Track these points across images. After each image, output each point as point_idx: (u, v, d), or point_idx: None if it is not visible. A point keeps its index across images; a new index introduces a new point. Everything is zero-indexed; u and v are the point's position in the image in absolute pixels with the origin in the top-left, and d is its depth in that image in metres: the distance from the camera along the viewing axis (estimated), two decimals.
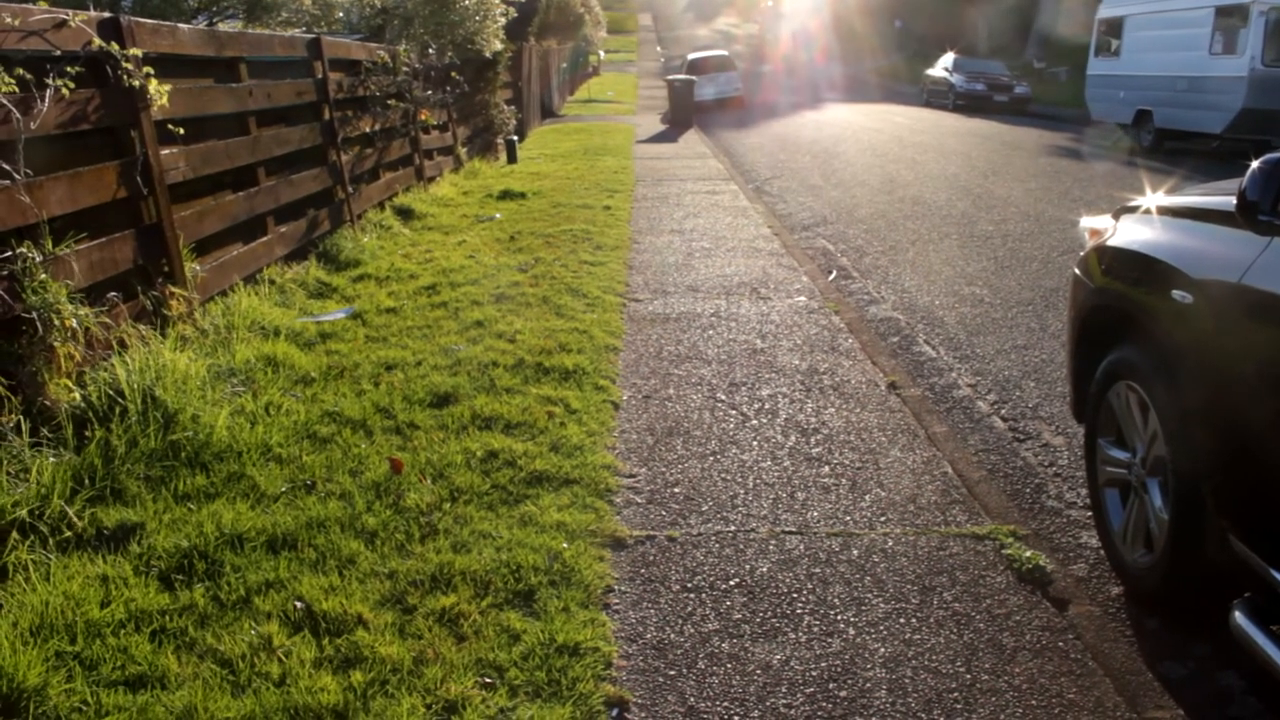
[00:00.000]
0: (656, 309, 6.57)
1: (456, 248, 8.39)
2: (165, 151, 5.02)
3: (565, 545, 3.32)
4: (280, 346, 5.16)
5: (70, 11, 4.26)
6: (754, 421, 4.56)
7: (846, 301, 7.03)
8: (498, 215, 10.07)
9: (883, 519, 3.63)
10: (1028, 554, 3.32)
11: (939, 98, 29.41)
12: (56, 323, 3.82)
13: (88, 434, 3.70)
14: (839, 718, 2.55)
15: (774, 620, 2.98)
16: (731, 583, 3.19)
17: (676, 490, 3.86)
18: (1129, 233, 3.40)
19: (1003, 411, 5.01)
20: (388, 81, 9.65)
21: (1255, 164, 2.61)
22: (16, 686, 2.43)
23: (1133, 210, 3.54)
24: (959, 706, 2.59)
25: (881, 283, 7.83)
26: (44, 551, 3.11)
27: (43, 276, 3.81)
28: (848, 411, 4.71)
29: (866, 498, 3.80)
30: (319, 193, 7.73)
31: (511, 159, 15.33)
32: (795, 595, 3.11)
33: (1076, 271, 3.72)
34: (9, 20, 3.84)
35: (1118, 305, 3.35)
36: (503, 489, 3.75)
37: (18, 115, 3.82)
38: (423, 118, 10.92)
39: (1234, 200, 2.68)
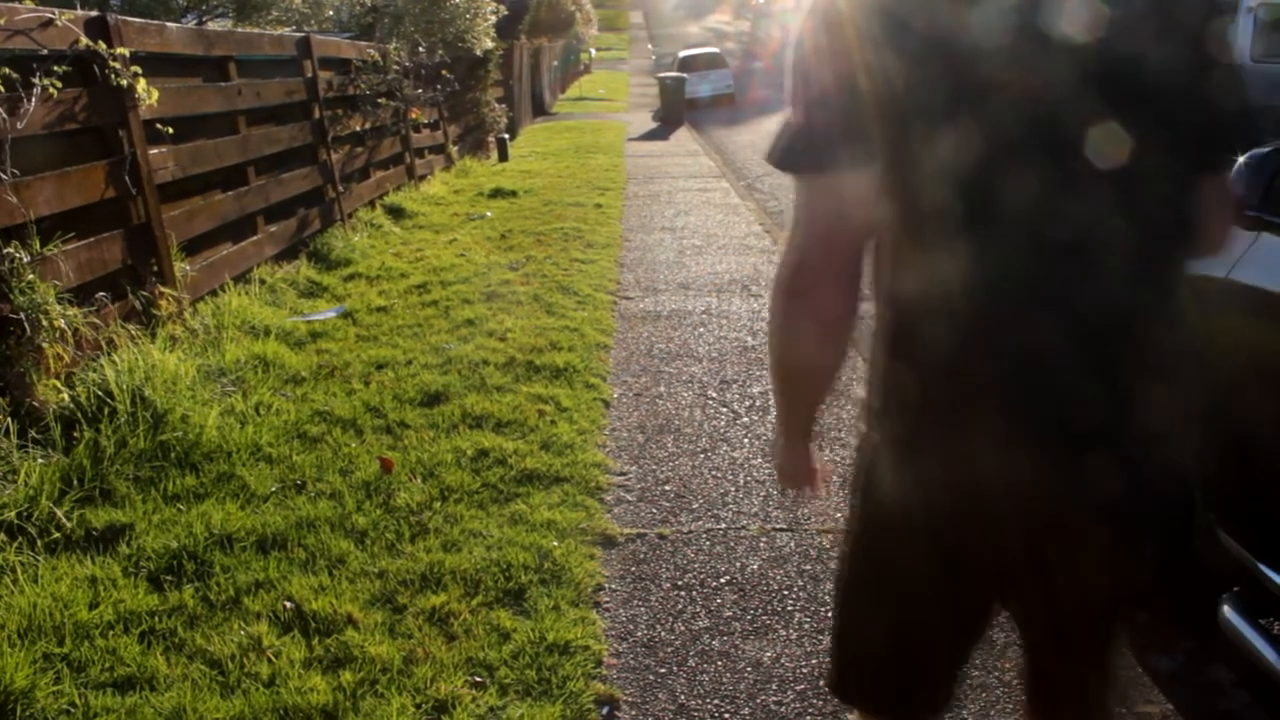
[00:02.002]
0: (647, 307, 6.57)
1: (447, 246, 8.37)
2: (154, 151, 5.00)
3: (555, 544, 3.32)
4: (270, 346, 5.15)
5: (57, 10, 4.24)
6: (745, 419, 4.56)
7: None
8: (489, 213, 10.06)
9: None
10: None
11: None
12: (45, 323, 3.80)
13: (76, 435, 3.69)
14: (830, 715, 2.55)
15: (765, 617, 2.98)
16: (722, 580, 3.19)
17: (667, 488, 3.86)
18: None
19: None
20: (378, 80, 9.63)
21: (1241, 159, 2.61)
22: (4, 689, 2.42)
23: None
24: None
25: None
26: (32, 553, 3.10)
27: (30, 277, 3.79)
28: (838, 408, 4.71)
29: None
30: (309, 192, 7.71)
31: (503, 157, 15.32)
32: (786, 592, 3.11)
33: None
34: None
35: None
36: (493, 487, 3.74)
37: (4, 115, 3.80)
38: (413, 116, 10.90)
39: None
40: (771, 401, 4.77)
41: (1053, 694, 1.54)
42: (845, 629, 1.55)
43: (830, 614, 2.98)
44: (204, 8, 10.25)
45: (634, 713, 2.56)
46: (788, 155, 1.29)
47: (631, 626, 2.93)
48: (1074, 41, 1.13)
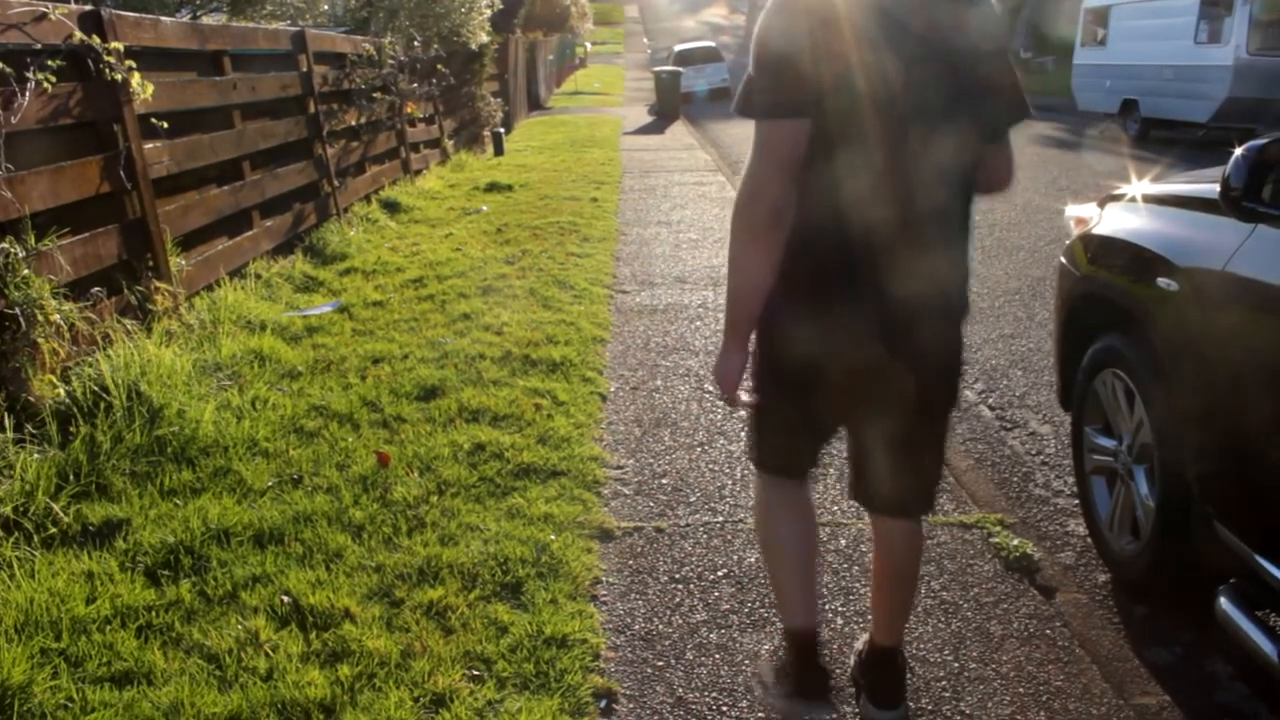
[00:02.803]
0: (644, 300, 6.56)
1: (443, 240, 8.36)
2: (149, 146, 4.99)
3: (553, 537, 3.32)
4: (266, 341, 5.14)
5: (50, 4, 4.23)
6: (742, 412, 4.56)
7: None
8: (485, 208, 10.05)
9: None
10: (1015, 542, 3.33)
11: None
12: (40, 318, 3.79)
13: (73, 430, 3.68)
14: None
15: (762, 610, 2.98)
16: (720, 573, 3.19)
17: (664, 481, 3.86)
18: (1115, 221, 3.41)
19: (990, 400, 5.02)
20: (373, 74, 9.60)
21: (1238, 151, 2.61)
22: (2, 684, 2.42)
23: (1118, 198, 3.54)
24: (947, 695, 2.59)
25: None
26: (28, 548, 3.09)
27: (25, 272, 3.78)
28: None
29: None
30: (305, 186, 7.69)
31: (498, 151, 15.29)
32: None
33: (1062, 260, 3.72)
34: None
35: (1104, 294, 3.36)
36: (490, 481, 3.74)
37: None
38: (409, 111, 10.88)
39: (1218, 188, 2.69)
40: None
41: (899, 465, 2.26)
42: (763, 432, 2.37)
43: (827, 608, 2.99)
44: (198, 2, 10.21)
45: (632, 706, 2.56)
46: (774, 105, 1.94)
47: (629, 620, 2.93)
48: (925, 78, 1.93)
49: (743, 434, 4.31)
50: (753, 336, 2.19)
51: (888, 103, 1.91)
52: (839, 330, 2.03)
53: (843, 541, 3.39)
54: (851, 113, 1.91)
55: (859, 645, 2.60)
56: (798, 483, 2.44)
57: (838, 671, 2.58)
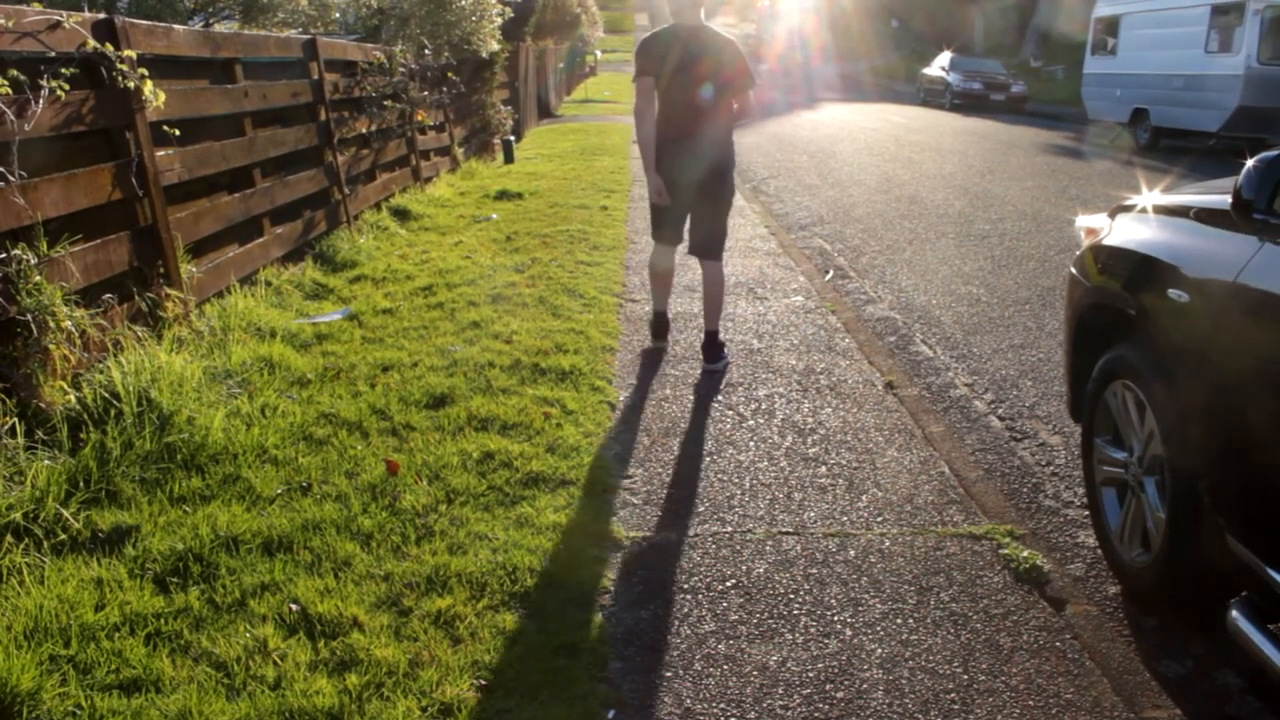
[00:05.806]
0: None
1: (453, 248, 8.38)
2: (161, 153, 5.01)
3: (561, 547, 3.31)
4: (276, 348, 5.15)
5: (64, 13, 4.25)
6: (751, 422, 4.55)
7: (843, 301, 7.02)
8: (494, 216, 10.06)
9: (880, 519, 3.63)
10: (1025, 554, 3.31)
11: (935, 97, 29.43)
12: (51, 325, 3.81)
13: (83, 436, 3.69)
14: (836, 719, 2.54)
15: (771, 621, 2.97)
16: (728, 584, 3.19)
17: (673, 491, 3.85)
18: (1125, 231, 3.40)
19: (1000, 411, 5.01)
20: (384, 82, 9.63)
21: (1250, 162, 2.60)
22: (10, 690, 2.42)
23: (1129, 209, 3.54)
24: (956, 707, 2.58)
25: (878, 282, 7.82)
26: (38, 554, 3.10)
27: (37, 279, 3.80)
28: (844, 411, 4.70)
29: (863, 498, 3.79)
30: (315, 194, 7.71)
31: (508, 159, 15.31)
32: (792, 596, 3.11)
33: (1073, 270, 3.71)
34: (2, 22, 3.83)
35: (1114, 304, 3.35)
36: (499, 490, 3.74)
37: (12, 117, 3.81)
38: (419, 118, 10.90)
39: (1229, 199, 2.68)
40: (775, 404, 4.78)
41: (701, 230, 5.43)
42: (655, 221, 5.54)
43: (836, 619, 2.98)
44: (211, 10, 10.26)
45: (640, 716, 2.55)
46: (639, 71, 5.22)
47: (637, 630, 2.93)
48: (698, 60, 5.15)
49: (751, 443, 4.31)
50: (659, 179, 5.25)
51: (680, 73, 5.06)
52: (676, 157, 5.18)
53: (851, 553, 3.38)
54: (666, 76, 5.07)
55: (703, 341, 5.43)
56: (669, 248, 5.54)
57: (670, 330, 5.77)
